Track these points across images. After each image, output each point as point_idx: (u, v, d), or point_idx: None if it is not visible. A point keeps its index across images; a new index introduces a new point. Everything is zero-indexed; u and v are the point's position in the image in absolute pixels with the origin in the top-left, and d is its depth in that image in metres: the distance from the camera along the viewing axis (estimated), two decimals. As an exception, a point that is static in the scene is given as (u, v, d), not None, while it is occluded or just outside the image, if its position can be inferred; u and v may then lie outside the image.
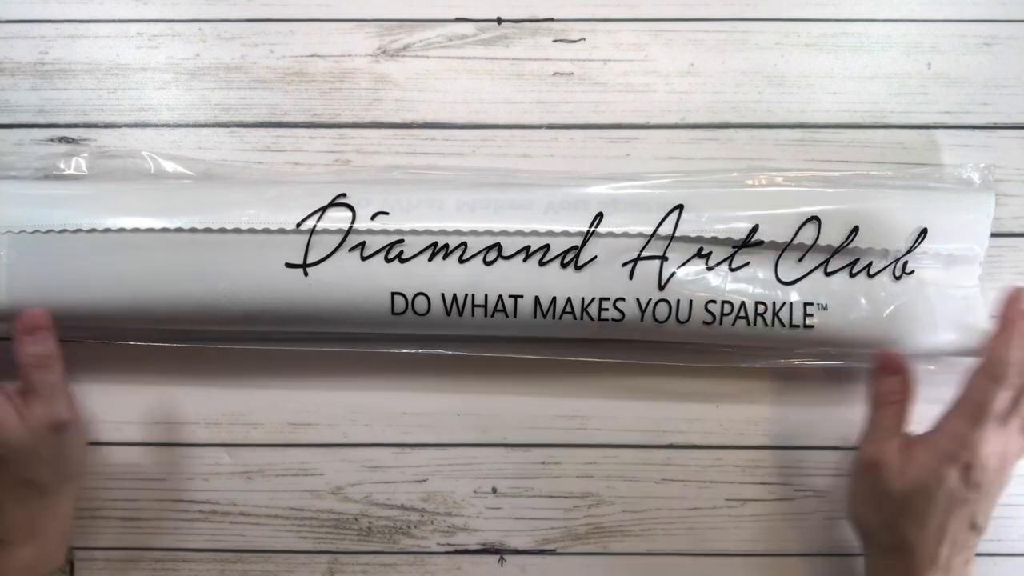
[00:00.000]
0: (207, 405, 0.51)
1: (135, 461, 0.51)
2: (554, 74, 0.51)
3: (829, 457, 0.51)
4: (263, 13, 0.51)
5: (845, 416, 0.50)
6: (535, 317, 0.45)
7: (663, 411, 0.51)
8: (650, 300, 0.44)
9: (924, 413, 0.51)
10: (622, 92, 0.51)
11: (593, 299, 0.44)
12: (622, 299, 0.44)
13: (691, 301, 0.44)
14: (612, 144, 0.51)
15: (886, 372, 0.46)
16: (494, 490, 0.51)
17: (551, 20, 0.51)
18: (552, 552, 0.51)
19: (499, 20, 0.51)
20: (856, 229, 0.44)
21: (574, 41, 0.51)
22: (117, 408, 0.51)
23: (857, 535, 0.46)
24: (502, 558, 0.51)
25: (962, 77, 0.51)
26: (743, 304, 0.45)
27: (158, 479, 0.51)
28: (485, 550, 0.51)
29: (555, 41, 0.51)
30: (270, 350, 0.50)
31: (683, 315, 0.45)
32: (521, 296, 0.44)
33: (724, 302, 0.44)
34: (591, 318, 0.45)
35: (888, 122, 0.51)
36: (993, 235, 0.48)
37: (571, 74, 0.51)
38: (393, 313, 0.45)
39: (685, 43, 0.51)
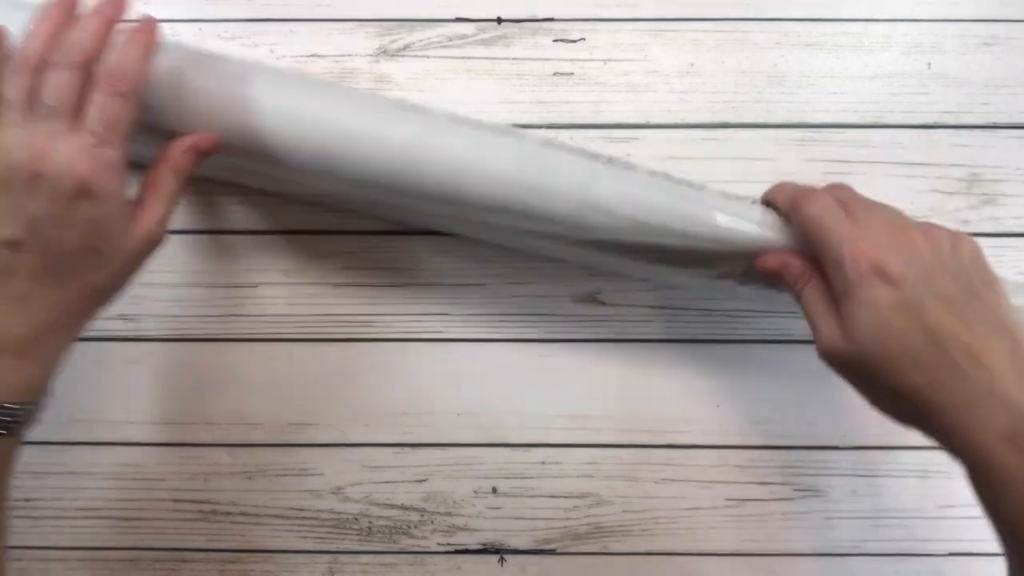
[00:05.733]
0: (207, 405, 0.51)
1: (135, 461, 0.51)
2: (554, 74, 0.51)
3: (829, 457, 0.51)
4: (263, 13, 0.51)
5: (845, 416, 0.50)
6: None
7: (663, 411, 0.51)
8: None
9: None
10: (622, 92, 0.51)
11: None
12: None
13: None
14: (612, 144, 0.51)
15: (774, 275, 0.41)
16: (494, 490, 0.51)
17: (551, 20, 0.51)
18: (552, 552, 0.51)
19: (499, 20, 0.51)
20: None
21: (574, 41, 0.51)
22: (117, 408, 0.51)
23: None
24: (502, 558, 0.51)
25: (962, 77, 0.51)
26: None
27: (158, 479, 0.51)
28: (485, 550, 0.51)
29: (555, 41, 0.51)
30: (270, 348, 0.50)
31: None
32: None
33: None
34: None
35: (888, 122, 0.51)
36: (993, 235, 0.49)
37: (571, 74, 0.51)
38: None
39: (685, 43, 0.51)
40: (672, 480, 0.51)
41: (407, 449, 0.51)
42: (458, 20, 0.51)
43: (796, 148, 0.51)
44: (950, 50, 0.51)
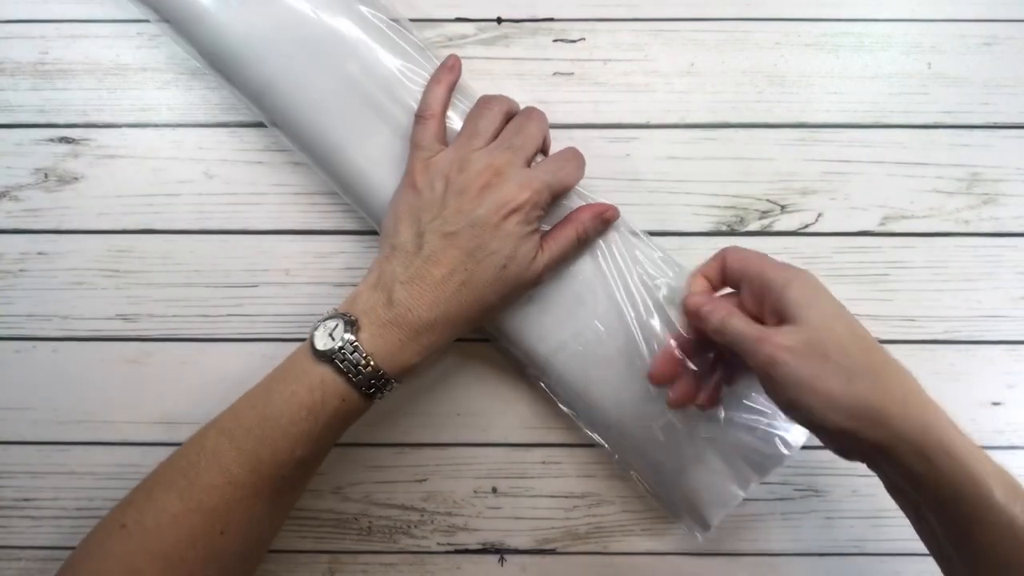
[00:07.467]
0: (207, 405, 0.51)
1: (135, 461, 0.51)
2: (554, 74, 0.51)
3: (829, 457, 0.51)
4: (263, 13, 0.51)
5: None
6: None
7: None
8: None
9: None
10: (622, 92, 0.51)
11: None
12: None
13: None
14: (612, 144, 0.51)
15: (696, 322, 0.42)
16: (494, 490, 0.51)
17: (551, 20, 0.51)
18: (552, 552, 0.51)
19: (499, 20, 0.51)
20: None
21: (574, 41, 0.51)
22: (117, 408, 0.51)
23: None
24: (502, 558, 0.51)
25: (962, 77, 0.51)
26: None
27: (158, 479, 0.51)
28: (485, 550, 0.51)
29: (555, 41, 0.51)
30: (270, 347, 0.50)
31: None
32: None
33: None
34: None
35: (888, 122, 0.51)
36: (993, 235, 0.49)
37: (571, 74, 0.51)
38: None
39: (685, 43, 0.51)
40: (672, 480, 0.51)
41: (407, 449, 0.51)
42: (458, 20, 0.51)
43: (796, 148, 0.51)
44: (950, 50, 0.51)
